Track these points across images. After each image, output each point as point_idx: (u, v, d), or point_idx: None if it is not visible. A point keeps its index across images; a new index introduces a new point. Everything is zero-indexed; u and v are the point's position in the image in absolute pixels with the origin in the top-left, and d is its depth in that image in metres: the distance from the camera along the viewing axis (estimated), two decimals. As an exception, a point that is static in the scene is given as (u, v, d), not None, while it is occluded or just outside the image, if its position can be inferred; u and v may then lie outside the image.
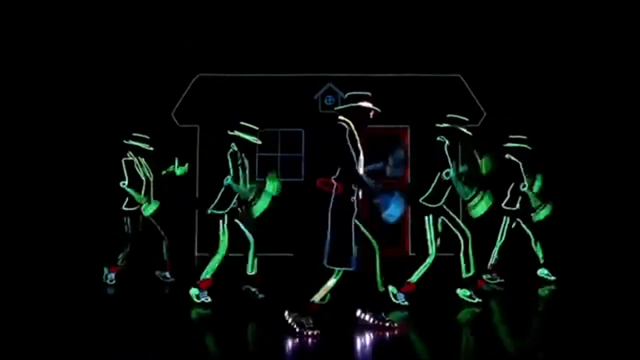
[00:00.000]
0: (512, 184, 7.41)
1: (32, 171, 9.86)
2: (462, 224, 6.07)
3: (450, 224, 6.06)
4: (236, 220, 6.24)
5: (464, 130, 6.27)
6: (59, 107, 10.05)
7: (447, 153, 6.06)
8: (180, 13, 10.24)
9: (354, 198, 4.84)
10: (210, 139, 9.68)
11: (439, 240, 6.09)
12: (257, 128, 6.35)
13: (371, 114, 4.96)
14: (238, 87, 10.34)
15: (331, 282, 4.84)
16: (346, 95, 5.12)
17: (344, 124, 4.85)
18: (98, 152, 9.57)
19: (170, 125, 10.05)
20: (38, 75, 10.04)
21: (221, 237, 6.10)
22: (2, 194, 9.71)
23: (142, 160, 7.50)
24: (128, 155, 7.40)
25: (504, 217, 7.40)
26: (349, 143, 4.79)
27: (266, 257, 8.84)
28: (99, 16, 10.08)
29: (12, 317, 5.51)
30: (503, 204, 7.38)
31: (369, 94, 5.01)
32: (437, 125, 6.29)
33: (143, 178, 7.41)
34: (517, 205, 7.38)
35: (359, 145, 4.87)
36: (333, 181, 4.78)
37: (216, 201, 6.16)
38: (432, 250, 6.07)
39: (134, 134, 7.46)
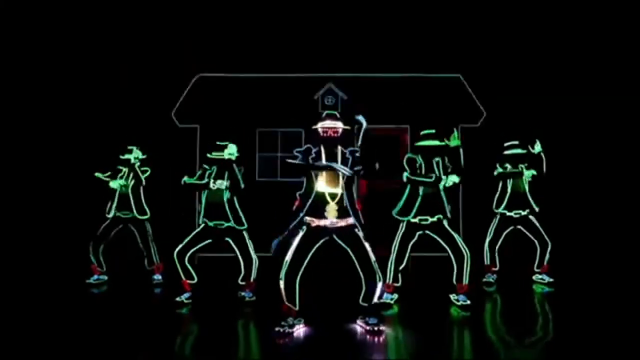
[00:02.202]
0: (500, 186, 7.42)
1: (31, 171, 9.87)
2: (460, 243, 6.03)
3: (440, 240, 6.09)
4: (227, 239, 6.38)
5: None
6: (59, 107, 10.06)
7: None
8: (181, 13, 10.26)
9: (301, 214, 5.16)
10: (210, 139, 9.69)
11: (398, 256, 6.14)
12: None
13: (320, 132, 5.31)
14: (238, 87, 10.33)
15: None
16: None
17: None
18: (98, 152, 9.58)
19: (170, 125, 10.04)
20: (38, 76, 10.06)
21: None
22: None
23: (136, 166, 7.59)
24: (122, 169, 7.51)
25: (494, 217, 7.43)
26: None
27: (265, 257, 8.88)
28: (99, 16, 10.09)
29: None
30: (494, 207, 7.41)
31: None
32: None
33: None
34: (505, 208, 7.35)
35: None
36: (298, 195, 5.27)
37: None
38: (392, 256, 6.16)
39: (128, 147, 7.58)
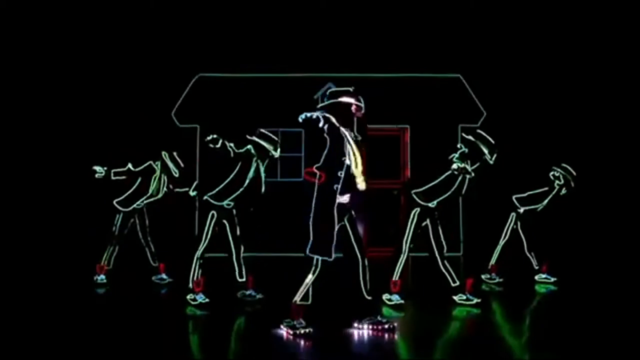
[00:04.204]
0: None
1: (30, 170, 9.87)
2: (442, 238, 6.04)
3: (431, 232, 6.03)
4: (224, 221, 6.18)
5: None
6: (59, 107, 10.06)
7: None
8: (181, 13, 10.25)
9: (337, 186, 4.83)
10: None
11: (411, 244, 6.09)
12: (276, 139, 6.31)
13: (353, 108, 4.99)
14: (238, 87, 10.33)
15: (308, 279, 4.85)
16: (328, 92, 5.15)
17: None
18: (99, 151, 9.58)
19: (170, 125, 10.04)
20: (38, 75, 10.06)
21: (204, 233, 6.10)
22: None
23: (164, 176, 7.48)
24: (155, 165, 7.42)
25: (510, 215, 7.37)
26: (325, 134, 4.82)
27: (266, 258, 8.89)
28: (99, 16, 10.09)
29: (3, 319, 5.51)
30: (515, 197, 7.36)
31: (351, 89, 5.06)
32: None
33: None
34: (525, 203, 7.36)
35: (344, 139, 4.87)
36: (316, 170, 4.85)
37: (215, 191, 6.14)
38: (405, 248, 6.07)
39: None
